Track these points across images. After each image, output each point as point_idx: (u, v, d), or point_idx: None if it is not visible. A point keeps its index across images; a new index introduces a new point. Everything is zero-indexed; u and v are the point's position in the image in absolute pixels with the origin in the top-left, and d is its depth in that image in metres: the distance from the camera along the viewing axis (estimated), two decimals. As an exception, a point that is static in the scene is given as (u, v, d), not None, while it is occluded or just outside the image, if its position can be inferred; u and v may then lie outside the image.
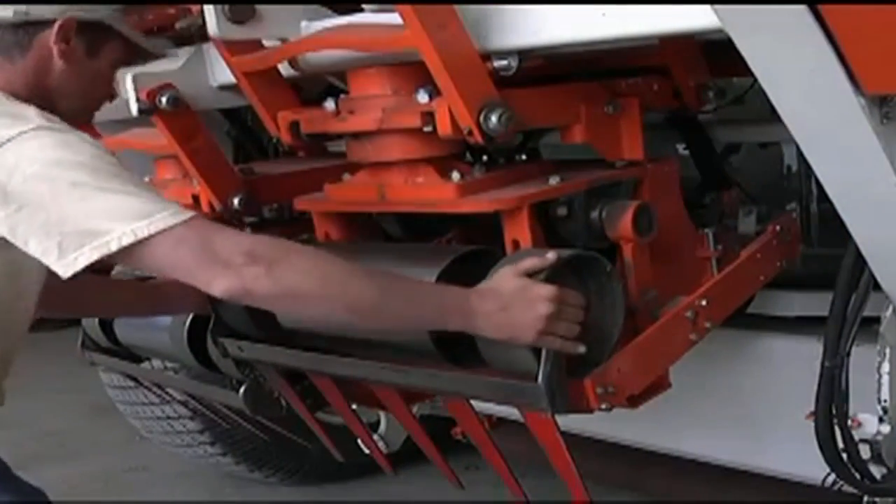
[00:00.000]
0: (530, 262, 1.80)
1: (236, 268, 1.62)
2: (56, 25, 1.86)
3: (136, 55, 2.04)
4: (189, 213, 1.66)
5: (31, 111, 1.76)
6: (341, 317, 1.77)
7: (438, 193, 2.01)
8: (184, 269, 1.65)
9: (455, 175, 1.99)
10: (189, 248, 1.63)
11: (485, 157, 2.16)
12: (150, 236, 1.61)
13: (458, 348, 1.90)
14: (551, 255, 1.81)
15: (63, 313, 2.54)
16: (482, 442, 2.19)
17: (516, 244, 1.94)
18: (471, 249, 1.99)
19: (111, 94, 2.04)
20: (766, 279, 2.22)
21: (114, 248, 1.61)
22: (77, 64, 1.90)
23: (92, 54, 1.93)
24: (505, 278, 1.78)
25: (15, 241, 1.67)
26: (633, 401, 1.99)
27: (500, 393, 1.93)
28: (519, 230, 1.93)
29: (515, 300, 1.74)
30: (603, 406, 1.86)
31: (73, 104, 1.93)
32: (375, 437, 3.27)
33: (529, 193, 1.94)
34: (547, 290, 1.76)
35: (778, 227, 2.24)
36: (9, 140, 1.67)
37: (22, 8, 1.84)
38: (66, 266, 1.63)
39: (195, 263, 1.64)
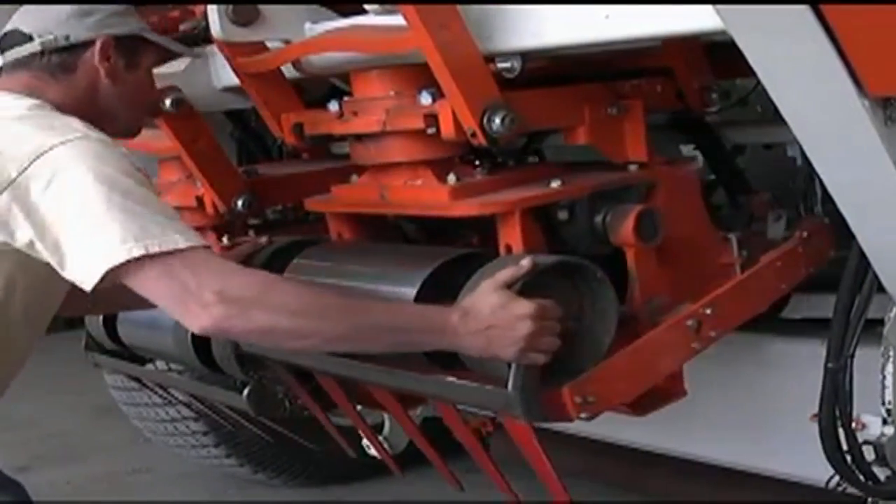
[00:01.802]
0: (508, 274, 1.77)
1: (209, 307, 1.64)
2: (98, 44, 1.96)
3: (166, 57, 2.17)
4: (191, 243, 1.67)
5: (75, 122, 1.80)
6: (322, 348, 1.79)
7: (432, 196, 2.01)
8: (162, 301, 1.69)
9: (451, 178, 1.99)
10: (170, 281, 1.66)
11: (499, 160, 2.15)
12: (144, 257, 1.63)
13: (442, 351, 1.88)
14: (526, 263, 1.78)
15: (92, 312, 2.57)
16: (468, 443, 2.18)
17: (509, 248, 1.92)
18: (463, 253, 1.98)
19: (156, 100, 2.22)
20: (788, 287, 2.16)
21: (122, 258, 1.62)
22: (121, 79, 2.00)
23: (131, 67, 2.03)
24: (484, 295, 1.76)
25: (41, 246, 1.69)
26: (641, 409, 1.98)
27: (475, 398, 1.92)
28: (511, 234, 1.92)
29: (496, 319, 1.72)
30: (583, 415, 1.82)
31: (123, 118, 2.02)
32: (380, 438, 3.27)
33: (522, 198, 1.93)
34: (527, 307, 1.73)
35: (805, 234, 2.17)
36: (52, 148, 1.70)
37: (63, 32, 1.93)
38: (89, 274, 1.65)
39: (172, 298, 1.67)
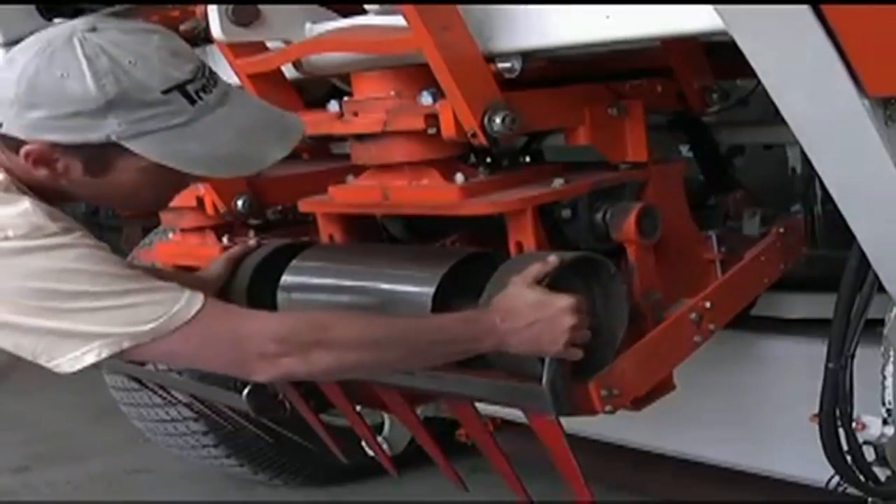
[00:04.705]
0: (536, 270, 1.79)
1: (271, 358, 1.63)
2: (22, 152, 1.56)
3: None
4: (198, 299, 1.58)
5: (27, 202, 1.55)
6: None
7: (443, 195, 2.01)
8: (218, 364, 1.68)
9: (459, 177, 2.00)
10: (219, 344, 1.62)
11: (489, 160, 2.15)
12: (169, 333, 1.56)
13: None
14: (553, 259, 1.81)
15: None
16: (486, 444, 2.19)
17: (520, 246, 1.94)
18: (473, 252, 2.00)
19: (167, 198, 1.79)
20: (770, 281, 2.22)
21: (126, 345, 1.55)
22: (79, 183, 1.62)
23: (96, 173, 1.61)
24: (520, 291, 1.77)
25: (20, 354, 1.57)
26: (637, 403, 1.99)
27: (504, 396, 1.93)
28: (523, 232, 1.94)
29: (539, 314, 1.74)
30: (607, 408, 1.86)
31: (107, 206, 1.83)
32: (379, 439, 3.27)
33: (533, 195, 1.95)
34: (567, 301, 1.76)
35: (782, 230, 2.24)
36: None
37: None
38: (73, 361, 1.55)
39: (230, 360, 1.65)
